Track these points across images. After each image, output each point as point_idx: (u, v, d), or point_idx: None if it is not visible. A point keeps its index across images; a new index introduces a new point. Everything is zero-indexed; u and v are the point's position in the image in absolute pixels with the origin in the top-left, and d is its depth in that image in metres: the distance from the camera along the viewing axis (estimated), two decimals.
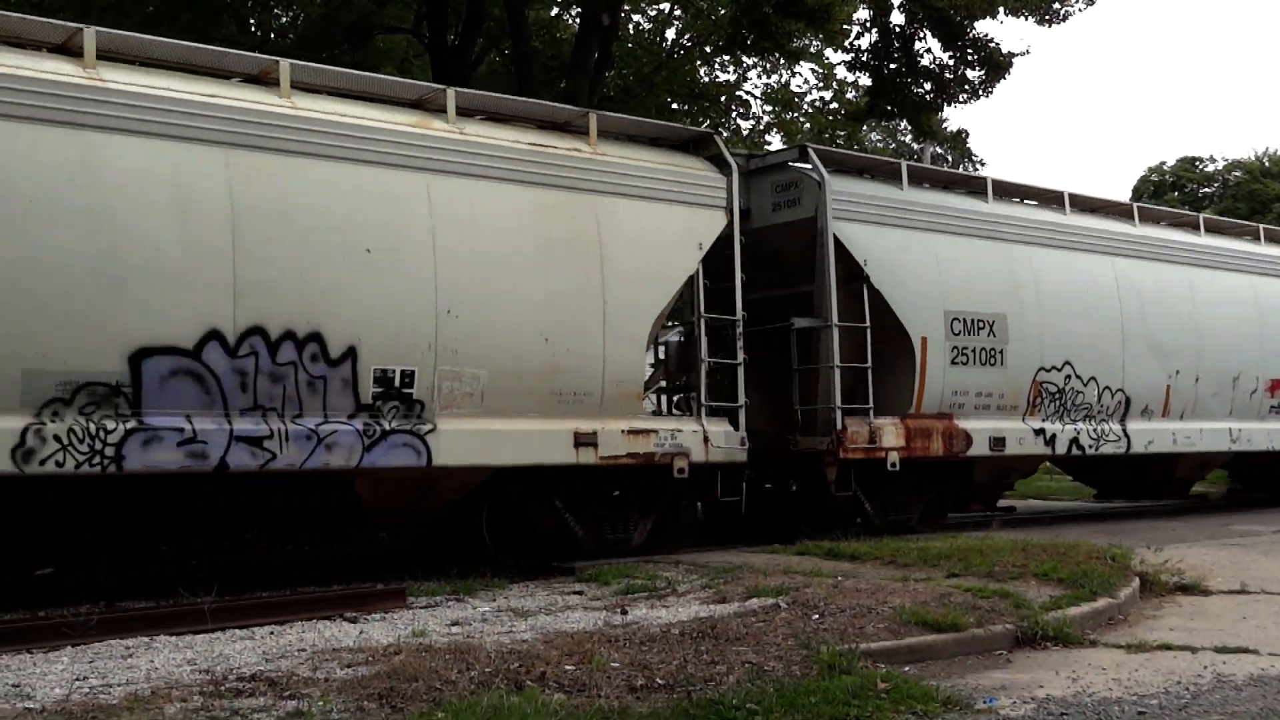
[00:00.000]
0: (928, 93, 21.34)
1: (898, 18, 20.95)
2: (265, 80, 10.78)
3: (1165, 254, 17.79)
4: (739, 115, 28.68)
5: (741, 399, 13.07)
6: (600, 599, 9.72)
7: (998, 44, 20.58)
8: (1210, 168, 48.57)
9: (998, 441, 15.01)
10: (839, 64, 26.85)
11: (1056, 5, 20.36)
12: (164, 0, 18.97)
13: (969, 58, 20.66)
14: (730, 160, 13.37)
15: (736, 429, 12.91)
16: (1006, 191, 16.40)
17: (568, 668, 6.62)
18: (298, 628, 8.55)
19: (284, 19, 23.58)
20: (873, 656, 7.10)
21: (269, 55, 10.89)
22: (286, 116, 10.45)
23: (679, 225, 12.73)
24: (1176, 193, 45.70)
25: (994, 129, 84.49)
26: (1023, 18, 20.49)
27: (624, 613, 8.78)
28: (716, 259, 13.14)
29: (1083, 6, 20.53)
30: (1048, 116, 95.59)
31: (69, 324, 9.29)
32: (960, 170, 15.24)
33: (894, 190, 14.72)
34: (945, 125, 30.23)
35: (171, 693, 6.19)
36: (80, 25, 10.07)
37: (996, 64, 20.60)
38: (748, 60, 26.92)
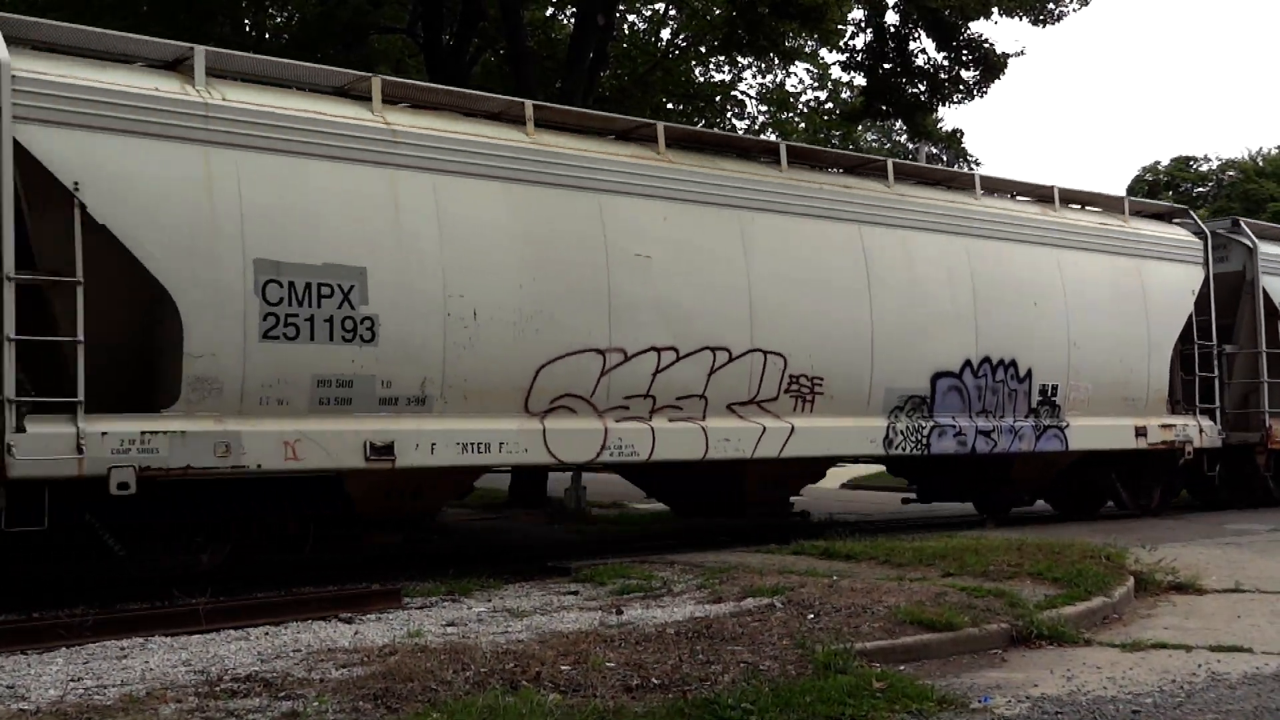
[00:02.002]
0: (922, 93, 21.35)
1: (892, 18, 20.99)
2: (958, 184, 15.70)
3: None
4: (734, 115, 28.70)
5: (1218, 402, 17.63)
6: (596, 599, 9.72)
7: (992, 44, 20.61)
8: (1204, 167, 48.67)
9: None
10: (834, 64, 26.90)
11: (1051, 5, 20.37)
12: (160, 0, 18.92)
13: (964, 58, 20.67)
14: (1204, 229, 18.06)
15: (1215, 424, 17.51)
16: None
17: (563, 668, 6.61)
18: (293, 628, 8.54)
19: (279, 19, 23.54)
20: (868, 656, 7.10)
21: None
22: (980, 212, 15.31)
23: (1180, 278, 17.40)
24: (1171, 192, 45.75)
25: (989, 129, 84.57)
26: (1017, 18, 20.52)
27: (619, 613, 8.77)
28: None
29: (1077, 6, 20.58)
30: (1043, 116, 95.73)
31: (905, 357, 14.07)
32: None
33: None
34: (940, 125, 30.27)
35: (166, 693, 6.18)
36: (880, 158, 15.04)
37: (991, 64, 20.61)
38: (743, 60, 26.93)
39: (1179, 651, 7.73)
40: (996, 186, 16.28)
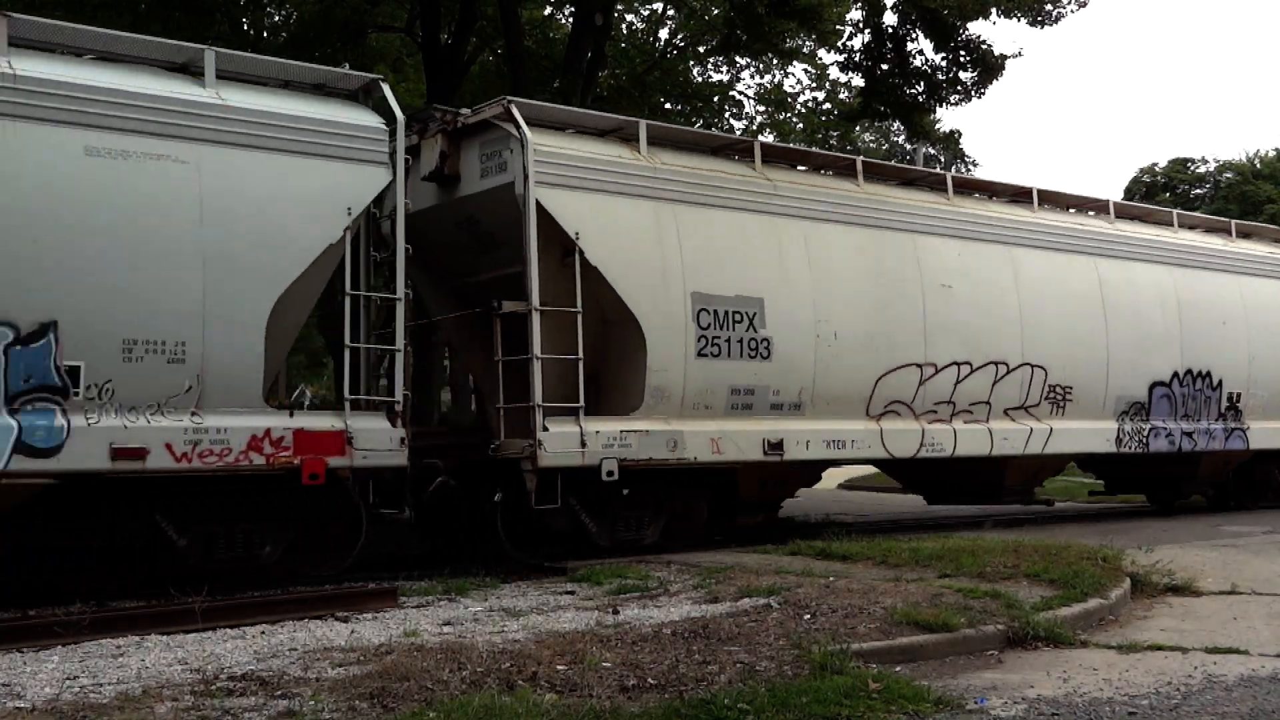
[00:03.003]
0: (920, 93, 21.32)
1: (890, 18, 20.96)
2: (1157, 219, 18.71)
3: None
4: (732, 115, 28.70)
5: None
6: (592, 599, 9.72)
7: (990, 45, 20.57)
8: (1202, 169, 48.68)
9: None
10: (832, 65, 26.86)
11: (1049, 7, 20.32)
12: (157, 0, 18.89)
13: (961, 59, 20.64)
14: None
15: None
16: None
17: (559, 667, 6.61)
18: (289, 627, 8.54)
19: (276, 18, 23.51)
20: (864, 656, 7.10)
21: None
22: (1180, 244, 18.21)
23: None
24: (1168, 194, 45.78)
25: (987, 129, 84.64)
26: (1015, 19, 20.47)
27: (616, 612, 8.78)
28: None
29: (1075, 8, 20.51)
30: (1040, 117, 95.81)
31: (1130, 369, 16.83)
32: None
33: None
34: (938, 126, 30.24)
35: (162, 692, 6.18)
36: (1104, 199, 17.91)
37: (989, 65, 20.59)
38: (741, 61, 26.92)
39: (1175, 653, 7.73)
40: (1187, 221, 19.37)
